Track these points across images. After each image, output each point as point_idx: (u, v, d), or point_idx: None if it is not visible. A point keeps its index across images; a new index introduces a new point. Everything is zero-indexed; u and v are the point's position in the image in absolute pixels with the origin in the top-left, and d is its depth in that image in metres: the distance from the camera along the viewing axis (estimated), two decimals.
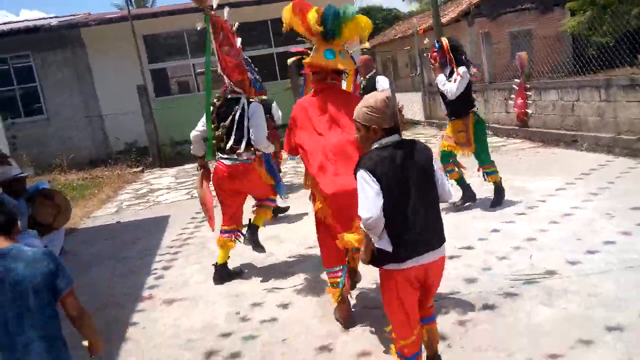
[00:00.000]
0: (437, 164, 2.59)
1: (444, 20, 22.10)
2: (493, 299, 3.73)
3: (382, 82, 7.09)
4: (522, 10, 25.27)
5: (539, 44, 20.06)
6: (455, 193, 5.08)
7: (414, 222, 2.47)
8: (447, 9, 25.75)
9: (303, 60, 3.66)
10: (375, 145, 2.55)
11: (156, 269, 5.37)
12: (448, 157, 5.94)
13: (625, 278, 3.76)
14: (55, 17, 16.91)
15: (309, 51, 3.73)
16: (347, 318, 3.64)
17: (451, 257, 4.52)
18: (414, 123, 14.80)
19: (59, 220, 5.41)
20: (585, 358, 2.90)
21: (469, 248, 4.76)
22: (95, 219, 8.18)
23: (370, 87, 7.08)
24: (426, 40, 15.10)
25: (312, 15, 3.51)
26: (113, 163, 13.18)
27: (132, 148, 13.76)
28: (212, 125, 4.66)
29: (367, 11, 44.74)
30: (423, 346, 2.77)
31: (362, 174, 2.45)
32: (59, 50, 14.13)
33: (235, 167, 4.62)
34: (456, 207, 5.98)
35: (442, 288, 3.93)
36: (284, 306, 4.08)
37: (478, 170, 6.09)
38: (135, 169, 12.71)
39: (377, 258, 2.55)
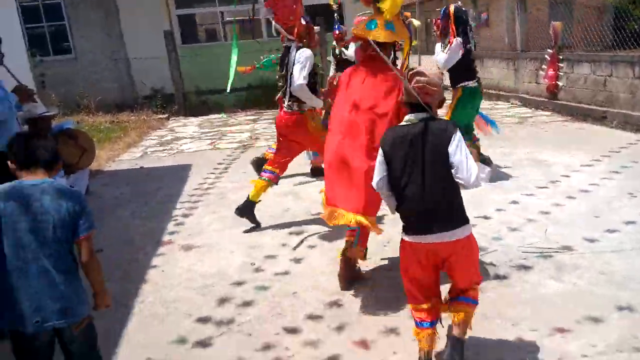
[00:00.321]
0: (457, 148, 2.47)
1: None
2: (503, 270, 3.78)
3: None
4: None
5: (579, 13, 19.38)
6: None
7: (417, 202, 2.52)
8: None
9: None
10: (403, 121, 2.63)
11: (176, 215, 5.51)
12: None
13: (639, 259, 3.77)
14: None
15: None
16: (343, 279, 3.64)
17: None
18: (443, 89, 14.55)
19: (83, 161, 5.53)
20: (591, 333, 2.95)
21: (485, 218, 4.79)
22: (120, 163, 8.34)
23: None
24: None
25: None
26: (139, 108, 13.30)
27: (157, 94, 13.80)
28: (279, 74, 4.91)
29: None
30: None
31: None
32: None
33: (287, 115, 4.75)
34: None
35: None
36: (297, 260, 4.19)
37: None
38: (160, 116, 12.81)
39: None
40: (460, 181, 2.51)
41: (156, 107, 13.27)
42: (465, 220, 2.57)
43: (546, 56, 9.88)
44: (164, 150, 9.14)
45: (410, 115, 2.59)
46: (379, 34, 3.41)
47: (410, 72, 2.57)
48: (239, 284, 3.87)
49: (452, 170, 2.47)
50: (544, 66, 10.03)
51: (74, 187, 5.53)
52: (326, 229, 4.78)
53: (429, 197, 2.50)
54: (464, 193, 2.62)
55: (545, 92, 10.11)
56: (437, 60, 5.63)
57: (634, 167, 6.00)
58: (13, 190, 2.31)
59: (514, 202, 5.13)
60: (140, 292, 3.86)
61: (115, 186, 6.85)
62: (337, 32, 7.75)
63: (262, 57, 8.61)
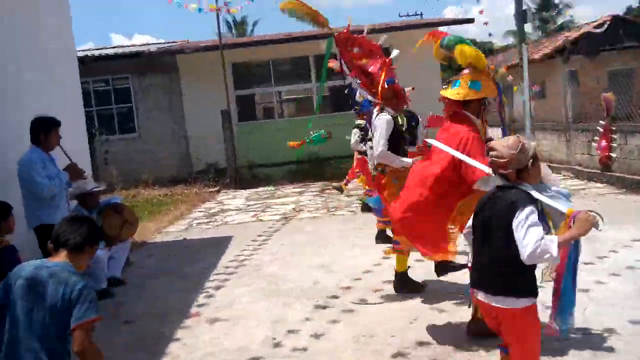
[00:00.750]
0: (522, 221, 2.50)
1: (536, 56, 21.51)
2: None
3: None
4: (623, 49, 24.14)
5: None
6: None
7: (477, 259, 2.81)
8: (542, 45, 24.99)
9: None
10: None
11: (209, 287, 5.56)
12: None
13: None
14: (155, 43, 18.17)
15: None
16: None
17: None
18: None
19: (125, 233, 5.74)
20: None
21: None
22: (166, 235, 8.60)
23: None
24: (510, 78, 14.71)
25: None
26: (192, 182, 13.83)
27: (211, 168, 14.37)
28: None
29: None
30: None
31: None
32: (155, 74, 15.15)
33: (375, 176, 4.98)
34: None
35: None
36: (317, 336, 4.08)
37: None
38: (212, 189, 13.26)
39: None
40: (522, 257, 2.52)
41: (209, 180, 13.78)
42: (517, 292, 2.61)
43: (598, 127, 9.62)
44: (209, 222, 9.38)
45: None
46: (459, 93, 3.68)
47: (487, 148, 2.78)
48: (257, 359, 3.80)
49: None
50: (596, 137, 9.75)
51: (114, 257, 5.77)
52: (351, 305, 4.69)
53: (490, 261, 2.69)
54: None
55: (598, 164, 9.76)
56: None
57: None
58: (30, 269, 2.41)
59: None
60: None
61: (155, 257, 7.05)
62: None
63: (311, 132, 8.93)
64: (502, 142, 2.70)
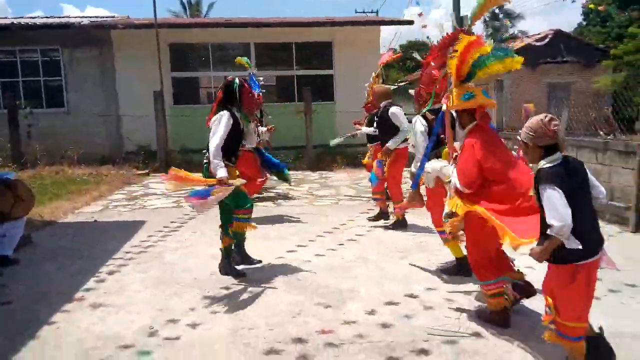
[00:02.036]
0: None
1: None
2: (399, 352, 3.60)
3: (397, 112, 6.98)
4: (563, 63, 25.12)
5: (577, 97, 19.71)
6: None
7: (589, 224, 3.00)
8: None
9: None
10: (546, 163, 3.00)
11: (102, 272, 5.40)
12: None
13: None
14: (87, 17, 17.52)
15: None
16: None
17: (378, 299, 4.47)
18: None
19: (17, 210, 5.51)
20: None
21: (402, 292, 4.65)
22: (78, 215, 8.31)
23: (382, 117, 7.02)
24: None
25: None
26: (121, 163, 13.44)
27: (141, 151, 14.00)
28: None
29: (413, 45, 45.45)
30: None
31: (550, 189, 2.91)
32: (87, 48, 14.60)
33: None
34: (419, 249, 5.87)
35: (352, 328, 3.88)
36: (194, 326, 4.03)
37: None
38: (140, 172, 12.93)
39: (562, 257, 2.97)
40: (597, 195, 3.18)
41: (138, 162, 13.43)
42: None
43: (518, 137, 9.93)
44: (128, 205, 9.14)
45: (550, 156, 3.02)
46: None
47: (548, 118, 3.04)
48: (127, 347, 3.71)
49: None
50: (515, 146, 10.07)
51: (6, 235, 5.52)
52: (237, 296, 4.67)
53: (594, 217, 3.13)
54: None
55: None
56: None
57: None
58: None
59: (441, 277, 5.00)
60: (23, 350, 3.70)
61: (59, 237, 6.80)
62: None
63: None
64: (532, 120, 3.12)
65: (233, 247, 5.21)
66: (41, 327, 4.06)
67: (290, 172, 12.76)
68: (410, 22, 15.17)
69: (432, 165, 4.37)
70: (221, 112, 4.94)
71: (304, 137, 13.63)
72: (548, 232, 2.92)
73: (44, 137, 13.79)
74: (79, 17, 17.37)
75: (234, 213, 5.10)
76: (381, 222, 7.35)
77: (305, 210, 8.43)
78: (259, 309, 4.39)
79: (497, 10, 31.89)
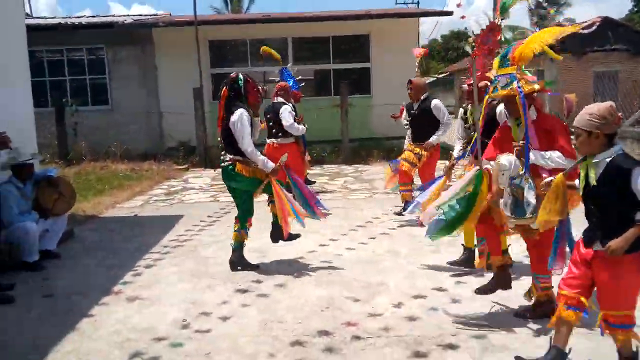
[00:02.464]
0: None
1: None
2: (426, 346, 3.59)
3: (439, 105, 6.95)
4: (610, 51, 24.18)
5: (624, 87, 18.96)
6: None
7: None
8: None
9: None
10: (616, 151, 2.90)
11: (139, 265, 5.58)
12: None
13: None
14: (130, 15, 17.94)
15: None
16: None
17: (406, 292, 4.49)
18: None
19: (59, 206, 5.75)
20: None
21: (430, 285, 4.64)
22: (119, 210, 8.59)
23: (423, 110, 6.94)
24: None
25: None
26: (162, 158, 13.77)
27: (181, 146, 14.30)
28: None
29: (457, 35, 44.70)
30: None
31: None
32: (130, 47, 14.99)
33: None
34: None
35: (379, 321, 3.89)
36: (224, 319, 4.13)
37: None
38: (180, 167, 13.22)
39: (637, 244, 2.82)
40: None
41: (178, 158, 13.74)
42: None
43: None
44: (167, 200, 9.37)
45: (618, 144, 2.95)
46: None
47: (609, 105, 2.94)
48: (160, 339, 3.83)
49: None
50: None
51: (50, 230, 5.76)
52: (267, 290, 4.74)
53: None
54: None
55: None
56: None
57: None
58: None
59: (464, 274, 4.95)
60: (63, 340, 3.87)
61: (100, 232, 7.05)
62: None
63: None
64: (600, 107, 2.96)
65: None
66: (80, 319, 4.24)
67: (326, 166, 12.86)
68: (449, 13, 14.91)
69: (508, 159, 3.79)
70: (239, 112, 4.99)
71: (340, 131, 13.62)
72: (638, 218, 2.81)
73: (89, 134, 14.26)
74: (122, 15, 17.82)
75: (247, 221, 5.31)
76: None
77: (339, 204, 8.45)
78: (288, 302, 4.45)
79: None
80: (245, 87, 5.09)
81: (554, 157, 3.69)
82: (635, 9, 36.72)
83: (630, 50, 24.11)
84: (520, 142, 3.77)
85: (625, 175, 2.80)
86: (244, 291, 4.74)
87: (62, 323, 4.17)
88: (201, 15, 14.53)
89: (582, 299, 3.04)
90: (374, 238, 6.35)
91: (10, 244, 5.39)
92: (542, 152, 3.75)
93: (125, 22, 14.75)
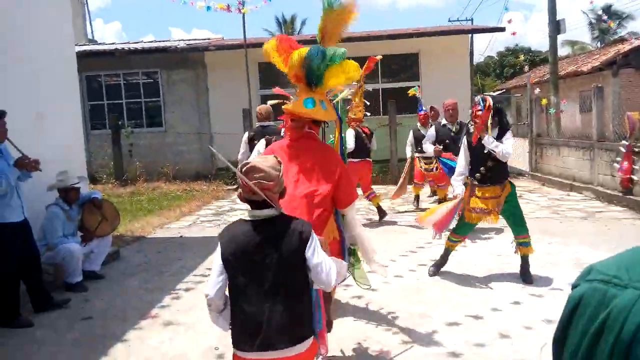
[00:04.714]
0: (315, 250, 2.29)
1: (585, 68, 20.75)
2: None
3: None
4: None
5: None
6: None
7: (255, 313, 2.25)
8: (592, 56, 24.04)
9: (283, 107, 3.55)
10: (243, 216, 2.42)
11: (179, 289, 5.55)
12: (469, 229, 5.49)
13: None
14: (184, 40, 18.45)
15: (291, 96, 3.68)
16: None
17: (450, 324, 4.20)
18: (517, 174, 13.88)
19: (102, 229, 5.83)
20: None
21: (475, 318, 4.33)
22: (166, 231, 8.67)
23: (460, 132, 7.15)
24: (537, 90, 14.22)
25: (296, 57, 3.32)
26: (212, 179, 13.97)
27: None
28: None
29: (512, 51, 43.68)
30: None
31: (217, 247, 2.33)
32: (183, 70, 15.39)
33: None
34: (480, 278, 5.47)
35: (418, 357, 3.66)
36: None
37: (513, 240, 5.46)
38: (230, 187, 13.35)
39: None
40: (320, 286, 2.38)
41: (229, 178, 13.89)
42: (312, 333, 2.37)
43: (621, 148, 9.13)
44: (214, 220, 9.41)
45: (254, 211, 2.34)
46: (321, 113, 3.33)
47: (245, 168, 2.30)
48: None
49: (311, 275, 2.30)
50: (618, 158, 9.25)
51: (94, 252, 5.84)
52: None
53: (274, 308, 2.24)
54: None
55: (619, 186, 9.25)
56: (503, 151, 5.07)
57: None
58: None
59: (516, 303, 4.62)
60: None
61: (144, 253, 7.10)
62: (422, 113, 9.44)
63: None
64: (263, 162, 2.33)
65: None
66: (114, 344, 4.22)
67: (375, 187, 12.66)
68: (501, 29, 14.52)
69: None
70: None
71: (389, 151, 13.40)
72: None
73: (144, 155, 14.68)
74: (177, 40, 18.36)
75: None
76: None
77: (385, 228, 8.22)
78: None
79: (599, 12, 29.69)
80: None
81: None
82: None
83: None
84: None
85: None
86: None
87: (95, 348, 4.15)
88: (251, 38, 14.74)
89: None
90: (421, 264, 6.09)
91: (55, 264, 5.48)
92: None
93: (178, 46, 15.16)
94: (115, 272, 6.21)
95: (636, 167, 8.82)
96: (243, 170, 2.30)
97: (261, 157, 2.47)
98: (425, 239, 7.26)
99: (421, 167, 9.22)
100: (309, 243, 2.28)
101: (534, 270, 5.41)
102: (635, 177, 8.84)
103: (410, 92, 9.99)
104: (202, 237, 8.08)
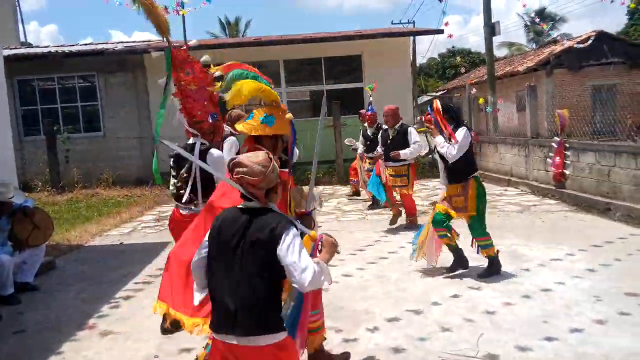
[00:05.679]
0: (291, 245, 2.29)
1: (520, 68, 21.57)
2: None
3: (414, 134, 7.68)
4: (607, 64, 24.13)
5: (623, 100, 18.84)
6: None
7: (223, 296, 2.34)
8: (527, 57, 25.02)
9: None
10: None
11: (119, 297, 5.38)
12: (442, 222, 5.56)
13: None
14: (121, 42, 17.96)
15: None
16: None
17: (390, 320, 4.26)
18: None
19: (34, 238, 5.57)
20: None
21: (416, 312, 4.42)
22: (106, 238, 8.40)
23: (400, 137, 7.66)
24: (474, 90, 14.70)
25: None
26: (154, 183, 13.62)
27: None
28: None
29: (453, 53, 44.88)
30: None
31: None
32: (121, 73, 14.95)
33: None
34: (444, 273, 5.56)
35: (361, 354, 3.68)
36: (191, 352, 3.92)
37: (472, 242, 5.59)
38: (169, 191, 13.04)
39: None
40: (294, 285, 2.36)
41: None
42: (278, 327, 2.33)
43: (553, 144, 9.53)
44: (156, 226, 9.19)
45: (245, 201, 2.47)
46: (252, 126, 3.24)
47: (232, 162, 2.43)
48: None
49: (286, 273, 2.33)
50: (551, 154, 9.66)
51: (27, 262, 5.58)
52: None
53: (242, 294, 2.31)
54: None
55: (552, 181, 9.66)
56: (447, 153, 5.24)
57: (614, 265, 5.48)
58: None
59: (455, 296, 4.75)
60: None
61: (82, 262, 6.86)
62: (369, 113, 9.56)
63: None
64: (250, 158, 2.43)
65: None
66: (48, 357, 4.04)
67: (321, 187, 12.70)
68: (440, 32, 14.90)
69: None
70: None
71: (334, 151, 13.50)
72: None
73: (82, 161, 14.18)
74: (114, 42, 17.83)
75: None
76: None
77: (331, 226, 8.25)
78: None
79: (532, 15, 30.99)
80: None
81: None
82: (631, 23, 36.81)
83: (627, 63, 24.07)
84: None
85: None
86: None
87: None
88: (194, 40, 14.49)
89: None
90: (364, 262, 6.14)
91: None
92: None
93: (115, 49, 14.73)
94: (50, 282, 5.95)
95: (567, 162, 9.23)
96: (230, 164, 2.44)
97: (252, 153, 2.56)
98: (373, 237, 7.35)
99: (362, 166, 9.88)
100: (281, 240, 2.30)
101: (470, 262, 5.55)
102: (566, 172, 9.25)
103: (367, 88, 10.67)
104: (143, 243, 7.88)
